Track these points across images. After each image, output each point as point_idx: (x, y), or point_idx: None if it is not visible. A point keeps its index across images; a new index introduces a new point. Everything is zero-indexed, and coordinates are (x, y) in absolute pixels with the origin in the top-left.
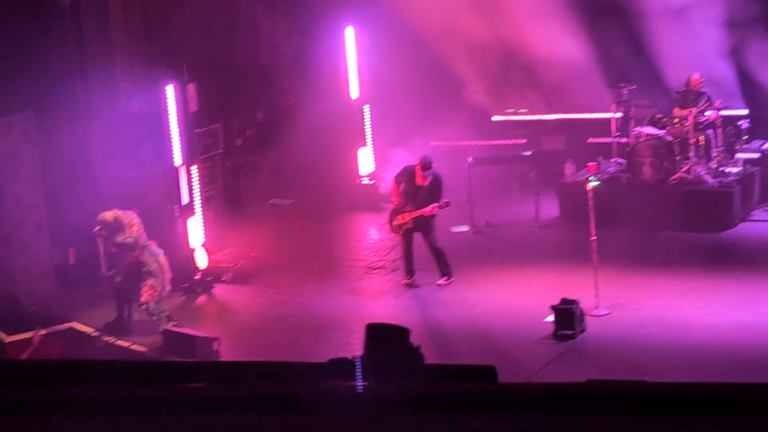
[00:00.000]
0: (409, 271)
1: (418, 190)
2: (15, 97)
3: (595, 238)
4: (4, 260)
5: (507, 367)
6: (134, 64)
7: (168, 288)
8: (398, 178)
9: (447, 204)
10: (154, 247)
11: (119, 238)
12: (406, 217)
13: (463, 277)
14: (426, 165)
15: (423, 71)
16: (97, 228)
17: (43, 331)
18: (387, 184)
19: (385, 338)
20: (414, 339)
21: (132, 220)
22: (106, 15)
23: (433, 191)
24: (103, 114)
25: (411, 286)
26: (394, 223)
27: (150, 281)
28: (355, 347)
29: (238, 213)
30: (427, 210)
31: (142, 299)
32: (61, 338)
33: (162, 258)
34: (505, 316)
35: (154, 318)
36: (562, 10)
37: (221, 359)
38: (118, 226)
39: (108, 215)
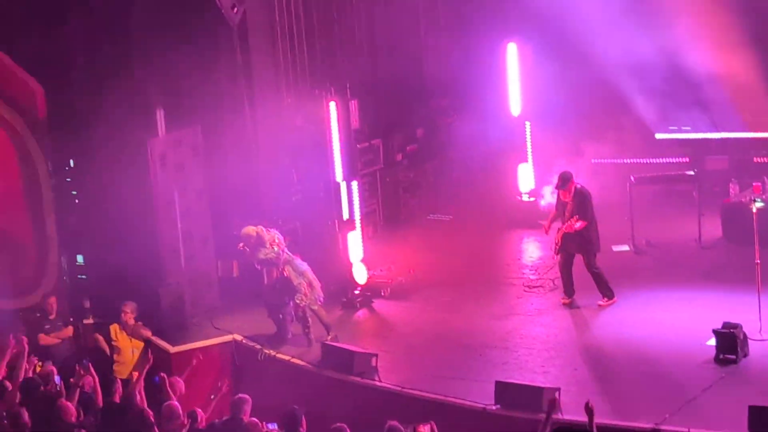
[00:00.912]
0: (569, 291)
1: (564, 206)
2: (184, 113)
3: (759, 261)
4: (171, 272)
5: (667, 390)
6: (298, 81)
7: (321, 299)
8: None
9: (584, 223)
10: (298, 262)
11: (261, 254)
12: (557, 236)
13: (623, 298)
14: (562, 180)
15: (585, 87)
16: (241, 244)
17: (206, 344)
18: (548, 201)
19: None
20: (572, 361)
21: (274, 236)
22: (272, 33)
23: (578, 207)
24: (268, 130)
25: (570, 306)
26: (554, 242)
27: (297, 296)
28: (512, 367)
29: (398, 228)
30: (569, 227)
31: (295, 313)
32: (224, 350)
33: (307, 272)
34: (665, 338)
35: (306, 330)
36: (729, 27)
37: (378, 375)
38: (259, 242)
39: (251, 230)
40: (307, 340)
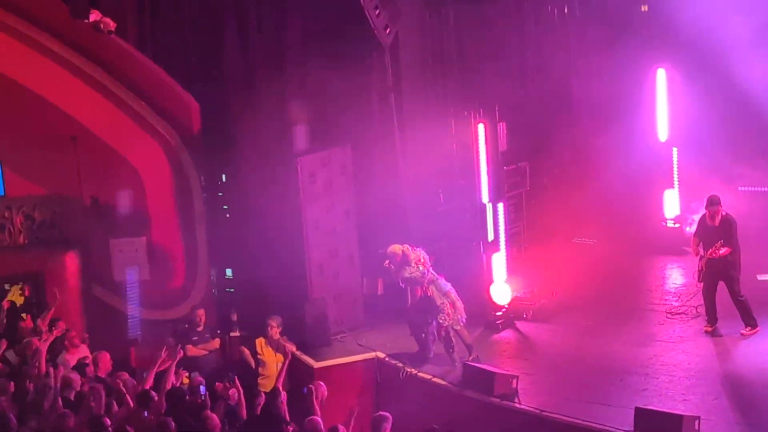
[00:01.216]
0: (711, 319)
1: (711, 232)
2: (335, 131)
3: None
4: (317, 288)
5: None
6: (447, 102)
7: (463, 319)
8: (699, 222)
9: (729, 250)
10: (442, 282)
11: (406, 273)
12: (701, 262)
13: (767, 328)
14: (710, 203)
15: (734, 114)
16: (387, 262)
17: (349, 360)
18: (692, 228)
19: None
20: (713, 389)
21: (419, 255)
22: (422, 54)
23: (724, 233)
24: (416, 150)
25: (713, 334)
26: (698, 268)
27: (440, 316)
28: (652, 394)
29: (542, 251)
30: (713, 253)
31: (437, 333)
32: (366, 367)
33: (450, 292)
34: None
35: (450, 351)
36: None
37: (519, 397)
38: (405, 261)
39: (397, 248)
40: (449, 360)
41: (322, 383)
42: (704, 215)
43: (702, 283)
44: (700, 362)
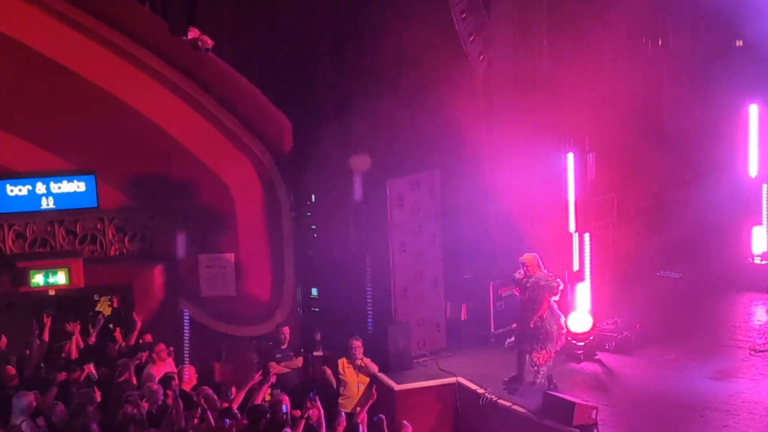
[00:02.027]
0: None
1: None
2: (425, 155)
3: None
4: (401, 311)
5: None
6: (538, 130)
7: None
8: None
9: None
10: (556, 308)
11: (542, 281)
12: None
13: None
14: None
15: None
16: (520, 271)
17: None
18: None
19: None
20: None
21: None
22: (515, 82)
23: None
24: (504, 177)
25: None
26: None
27: (548, 345)
28: (731, 430)
29: (627, 282)
30: None
31: (538, 362)
32: (447, 392)
33: (561, 318)
34: None
35: (539, 381)
36: None
37: (598, 428)
38: (540, 268)
39: (531, 256)
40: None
41: (407, 424)
42: None
43: None
44: None
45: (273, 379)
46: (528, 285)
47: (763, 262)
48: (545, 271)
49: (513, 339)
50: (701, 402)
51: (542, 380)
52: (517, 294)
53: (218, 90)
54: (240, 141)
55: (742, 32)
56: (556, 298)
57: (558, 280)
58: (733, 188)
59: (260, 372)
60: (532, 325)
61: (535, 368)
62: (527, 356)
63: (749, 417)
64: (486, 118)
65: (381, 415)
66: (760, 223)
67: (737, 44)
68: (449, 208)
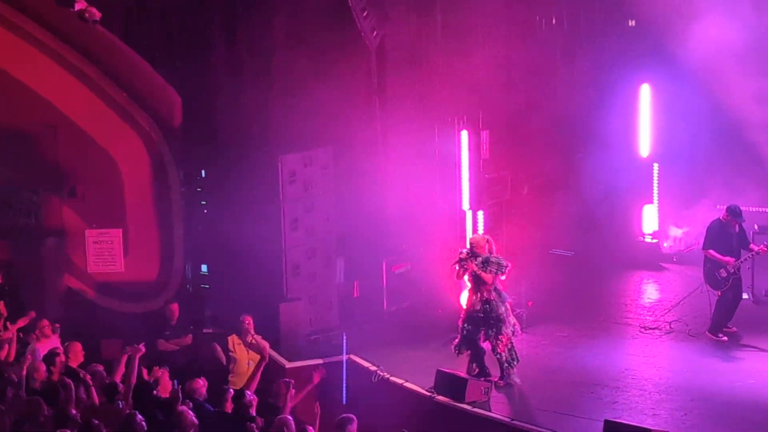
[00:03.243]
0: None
1: (731, 237)
2: (318, 133)
3: None
4: (292, 289)
5: None
6: (432, 108)
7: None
8: (709, 232)
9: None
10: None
11: (493, 258)
12: (730, 268)
13: (738, 347)
14: (733, 213)
15: (716, 132)
16: (464, 249)
17: (321, 361)
18: (671, 244)
19: None
20: (683, 405)
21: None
22: (409, 58)
23: (743, 238)
24: (399, 154)
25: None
26: (721, 275)
27: (502, 328)
28: (621, 407)
29: (520, 261)
30: (761, 248)
31: (500, 349)
32: (339, 369)
33: (509, 301)
34: None
35: (506, 366)
36: None
37: (490, 405)
38: (489, 250)
39: (481, 237)
40: (505, 377)
41: (291, 381)
42: (721, 225)
43: (720, 292)
44: (671, 377)
45: (142, 350)
46: (476, 265)
47: (654, 240)
48: (493, 253)
49: (458, 340)
50: (592, 379)
51: (514, 378)
52: (462, 277)
53: (107, 63)
54: (129, 115)
55: (635, 12)
56: (503, 278)
57: (505, 263)
58: (625, 167)
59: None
60: (479, 308)
61: (498, 356)
62: (489, 346)
63: (639, 394)
64: (379, 95)
65: (285, 380)
66: (651, 202)
67: (630, 24)
68: (344, 185)
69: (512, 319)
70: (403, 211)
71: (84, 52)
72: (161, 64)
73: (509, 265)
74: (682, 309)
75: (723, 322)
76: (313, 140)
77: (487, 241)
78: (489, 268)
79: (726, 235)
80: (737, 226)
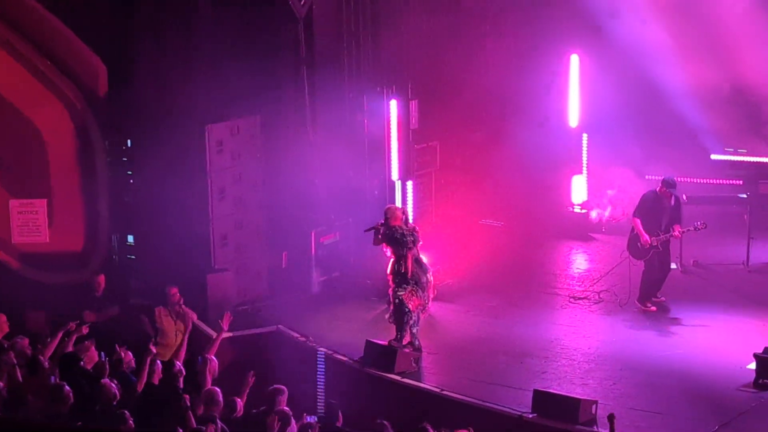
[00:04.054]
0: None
1: (664, 211)
2: (245, 101)
3: None
4: (220, 260)
5: (703, 411)
6: (360, 78)
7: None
8: (642, 202)
9: (704, 226)
10: (425, 261)
11: (406, 231)
12: (656, 241)
13: (666, 317)
14: (668, 184)
15: (644, 103)
16: (381, 221)
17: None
18: (599, 214)
19: None
20: (612, 374)
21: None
22: (337, 28)
23: (676, 213)
24: (327, 124)
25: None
26: (643, 245)
27: (419, 292)
28: (551, 377)
29: (449, 231)
30: (676, 233)
31: (410, 305)
32: (267, 340)
33: (430, 272)
34: (706, 359)
35: (414, 331)
36: None
37: (419, 375)
38: (404, 221)
39: (397, 207)
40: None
41: (213, 357)
42: (654, 197)
43: (645, 260)
44: (601, 347)
45: (85, 330)
46: (390, 236)
47: (583, 210)
48: (408, 226)
49: (391, 311)
50: (521, 349)
51: (416, 341)
52: (379, 244)
53: (30, 31)
54: (52, 84)
55: None
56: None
57: (417, 236)
58: (555, 138)
59: (76, 322)
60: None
61: (408, 312)
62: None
63: (568, 363)
64: (308, 65)
65: (205, 355)
66: (581, 173)
67: None
68: (272, 155)
69: (429, 294)
70: (332, 181)
71: (6, 19)
72: (85, 32)
73: (417, 238)
74: (611, 279)
75: (651, 292)
76: (240, 109)
77: (403, 212)
78: (405, 239)
79: (658, 208)
80: (673, 199)
